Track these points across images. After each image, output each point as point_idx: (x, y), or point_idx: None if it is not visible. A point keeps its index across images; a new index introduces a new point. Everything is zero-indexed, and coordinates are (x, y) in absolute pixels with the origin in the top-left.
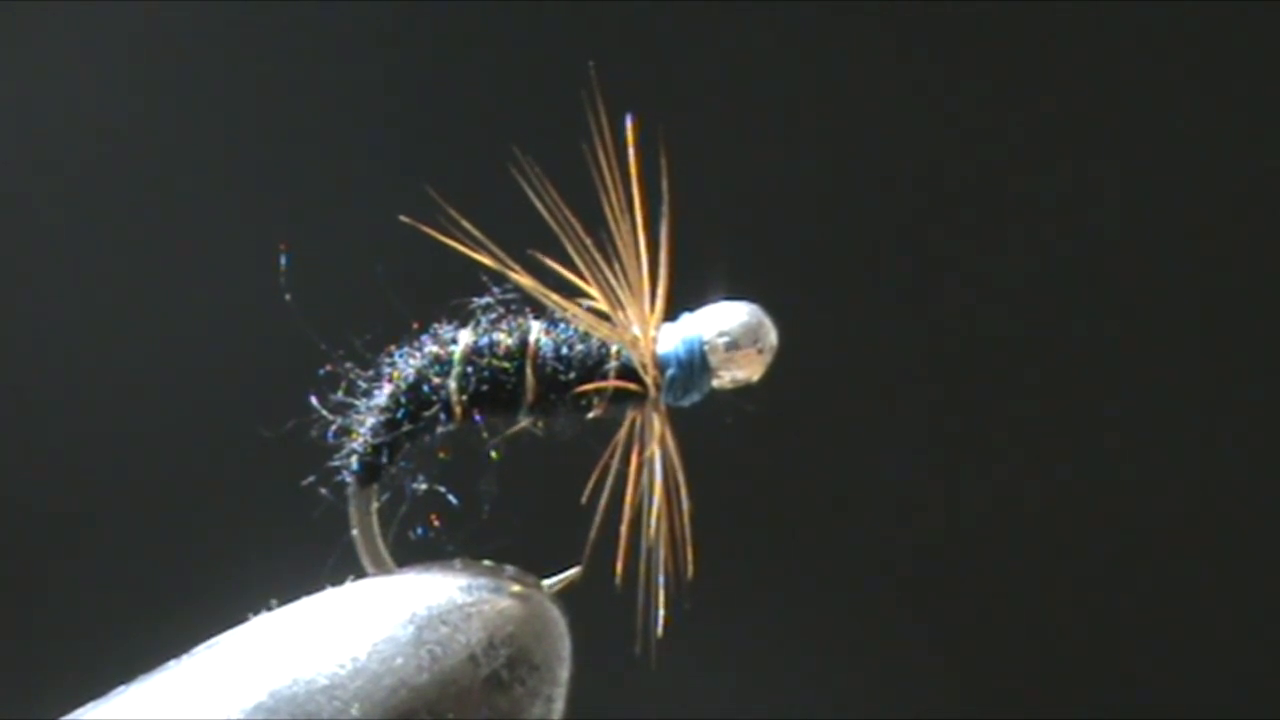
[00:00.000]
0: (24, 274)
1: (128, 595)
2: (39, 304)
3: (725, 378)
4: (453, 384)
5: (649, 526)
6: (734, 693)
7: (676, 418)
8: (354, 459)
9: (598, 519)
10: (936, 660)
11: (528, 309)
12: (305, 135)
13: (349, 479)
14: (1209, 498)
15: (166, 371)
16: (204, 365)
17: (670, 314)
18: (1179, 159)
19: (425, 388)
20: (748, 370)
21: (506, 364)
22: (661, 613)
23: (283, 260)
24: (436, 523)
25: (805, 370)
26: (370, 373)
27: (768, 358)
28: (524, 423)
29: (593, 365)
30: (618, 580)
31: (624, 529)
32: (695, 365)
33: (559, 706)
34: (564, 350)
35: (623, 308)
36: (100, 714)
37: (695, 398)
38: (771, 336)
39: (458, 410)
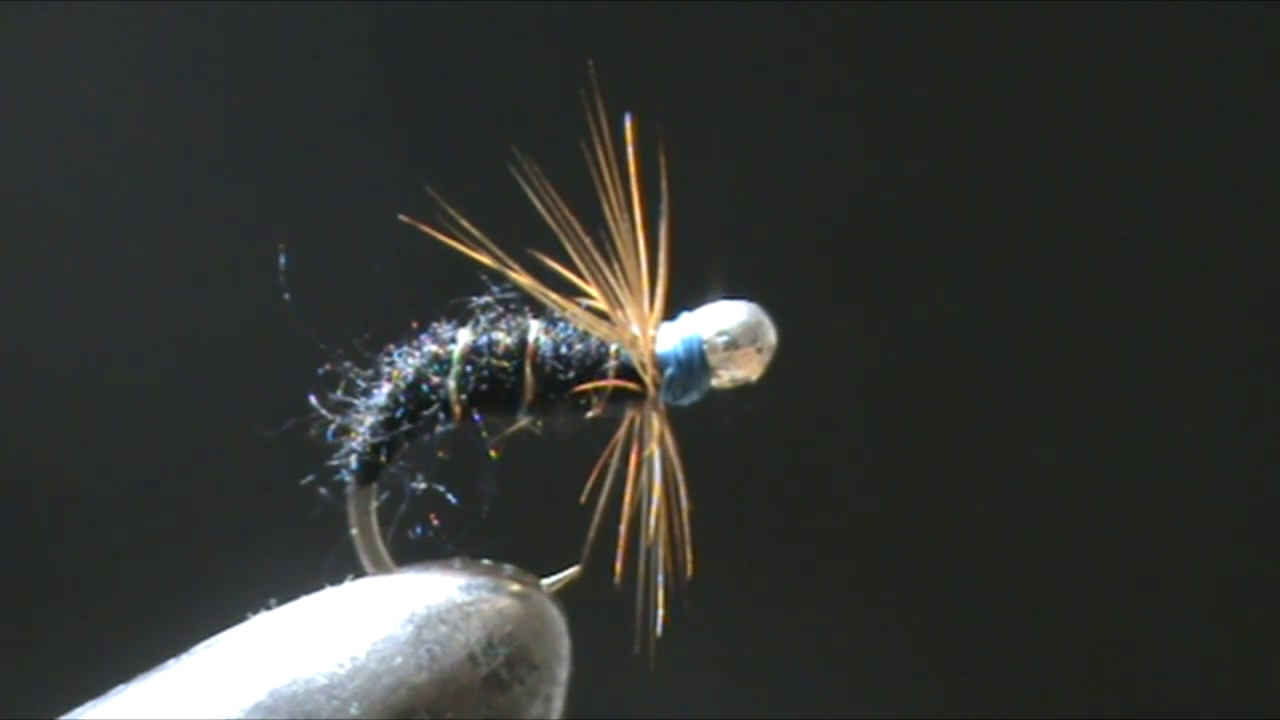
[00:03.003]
0: (23, 274)
1: (127, 595)
2: (38, 304)
3: (724, 377)
4: (452, 383)
5: (648, 526)
6: (734, 693)
7: (676, 417)
8: (353, 458)
9: (597, 518)
10: (936, 660)
11: (527, 308)
12: (305, 135)
13: (348, 478)
14: (1208, 497)
15: (166, 371)
16: (203, 365)
17: (669, 313)
18: (1176, 161)
19: (424, 387)
20: (747, 369)
21: (505, 363)
22: (661, 612)
23: (282, 260)
24: (435, 522)
25: (805, 369)
26: (369, 372)
27: (767, 357)
28: (523, 422)
29: (592, 364)
30: (617, 579)
31: (623, 528)
32: (694, 364)
33: (558, 706)
34: (563, 349)
35: (622, 307)
36: (99, 713)
37: (694, 397)
38: (771, 335)
39: (457, 409)
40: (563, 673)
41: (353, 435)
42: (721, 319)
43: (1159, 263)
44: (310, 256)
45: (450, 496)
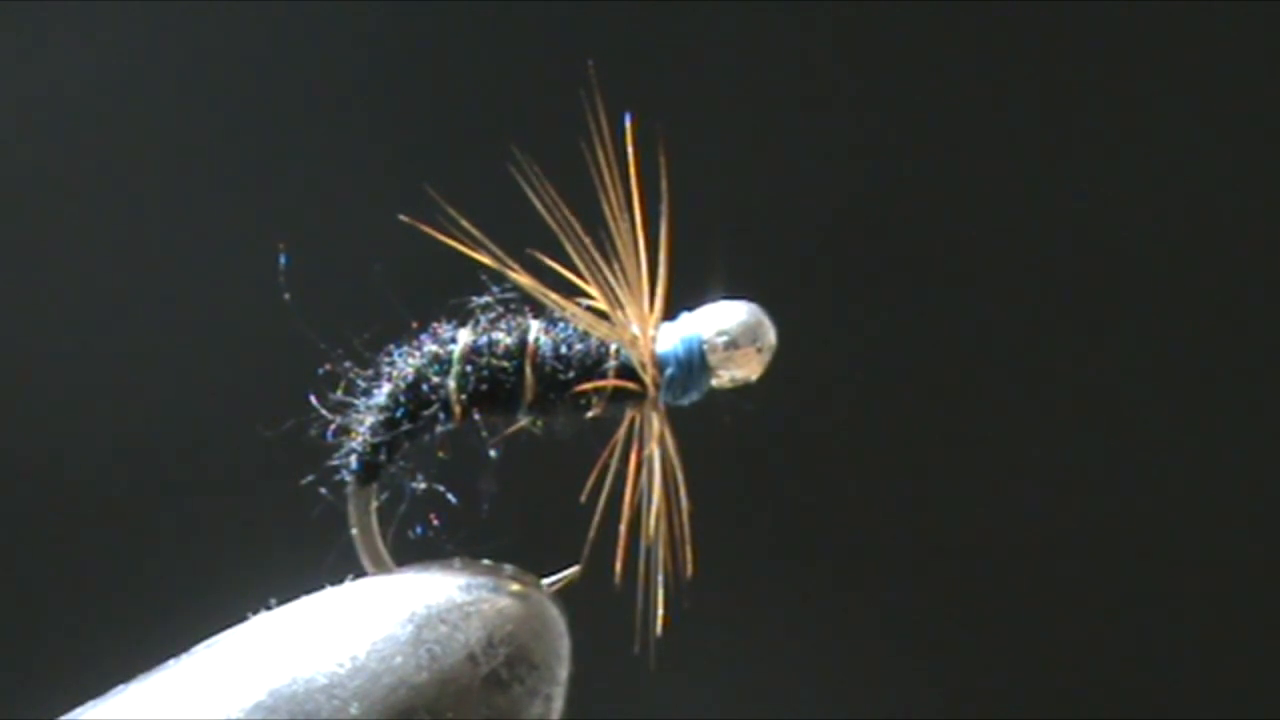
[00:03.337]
0: (24, 274)
1: (128, 595)
2: (39, 304)
3: (724, 377)
4: (452, 383)
5: (648, 526)
6: (734, 693)
7: (676, 417)
8: (353, 458)
9: (597, 518)
10: (937, 660)
11: (527, 308)
12: (305, 135)
13: (348, 478)
14: (1207, 499)
15: (166, 371)
16: (204, 365)
17: (669, 313)
18: (1176, 161)
19: (424, 387)
20: (747, 369)
21: (505, 363)
22: (660, 612)
23: (282, 260)
24: (435, 522)
25: (805, 369)
26: (369, 372)
27: (766, 357)
28: (523, 422)
29: (592, 364)
30: (617, 580)
31: (623, 528)
32: (694, 364)
33: (558, 705)
34: (563, 349)
35: (622, 307)
36: (99, 713)
37: (694, 397)
38: (770, 335)
39: (457, 409)
40: (563, 673)
41: (353, 435)
42: (721, 319)
43: (1159, 263)
44: (310, 256)
45: (450, 497)
